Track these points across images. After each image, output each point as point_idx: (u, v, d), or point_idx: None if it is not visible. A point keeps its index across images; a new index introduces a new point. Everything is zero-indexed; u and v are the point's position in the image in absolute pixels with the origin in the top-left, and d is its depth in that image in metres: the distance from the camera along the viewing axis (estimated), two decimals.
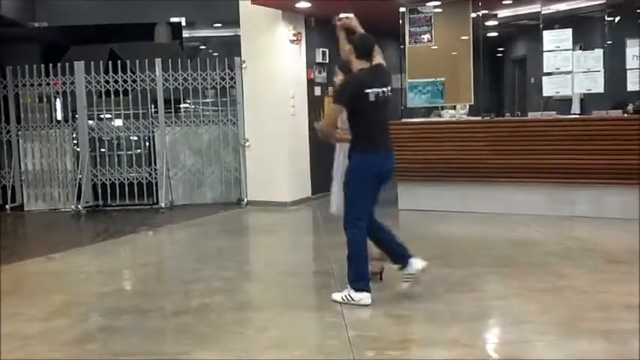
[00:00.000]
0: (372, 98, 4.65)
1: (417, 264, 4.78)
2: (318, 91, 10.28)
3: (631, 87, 7.83)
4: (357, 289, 4.72)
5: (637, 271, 5.47)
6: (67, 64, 9.94)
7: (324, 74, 10.34)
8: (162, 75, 9.77)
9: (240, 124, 9.83)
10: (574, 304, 4.66)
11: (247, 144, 9.75)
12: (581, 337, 4.05)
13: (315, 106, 10.17)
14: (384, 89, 4.72)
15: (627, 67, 7.85)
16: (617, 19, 9.49)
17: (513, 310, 4.65)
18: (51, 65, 9.98)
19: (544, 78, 8.27)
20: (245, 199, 9.77)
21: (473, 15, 8.82)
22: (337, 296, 4.81)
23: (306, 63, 9.97)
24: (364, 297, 4.70)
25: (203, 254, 6.86)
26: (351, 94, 4.68)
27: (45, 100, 10.27)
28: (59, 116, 10.44)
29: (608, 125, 7.62)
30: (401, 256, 4.85)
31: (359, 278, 4.74)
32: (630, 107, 7.77)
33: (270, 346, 4.08)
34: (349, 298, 4.73)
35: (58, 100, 10.37)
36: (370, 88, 4.65)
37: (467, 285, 5.24)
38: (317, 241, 7.73)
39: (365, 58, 4.78)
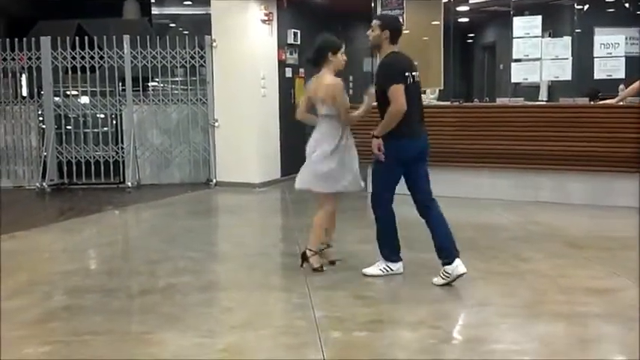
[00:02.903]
0: (409, 82, 4.79)
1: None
2: (289, 72, 10.24)
3: (598, 75, 7.94)
4: (393, 261, 4.95)
5: (598, 255, 5.60)
6: (33, 39, 9.75)
7: (295, 55, 10.30)
8: (131, 52, 9.63)
9: (209, 103, 9.75)
10: (536, 288, 4.75)
11: (217, 124, 9.68)
12: (542, 319, 4.13)
13: (286, 87, 10.13)
14: (415, 74, 4.88)
15: (595, 55, 7.95)
16: (586, 7, 9.61)
17: (477, 292, 4.72)
18: (16, 40, 9.76)
19: (513, 64, 8.34)
20: (214, 180, 9.72)
21: (444, 0, 8.85)
22: (372, 270, 4.98)
23: (278, 44, 9.91)
24: (400, 266, 5.01)
25: (170, 234, 6.81)
26: (398, 74, 4.76)
27: (10, 75, 10.05)
28: (24, 92, 10.25)
29: (575, 113, 7.72)
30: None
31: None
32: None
33: (236, 327, 4.08)
34: (388, 269, 4.97)
35: (23, 75, 10.16)
36: (408, 71, 4.80)
37: (432, 267, 5.28)
38: (285, 223, 7.74)
39: (396, 43, 4.94)
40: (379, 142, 4.78)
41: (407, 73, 4.78)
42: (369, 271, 5.00)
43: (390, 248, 5.02)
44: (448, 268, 4.74)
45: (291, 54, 10.22)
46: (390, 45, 4.91)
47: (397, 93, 4.65)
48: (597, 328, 4.08)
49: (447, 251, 4.79)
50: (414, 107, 4.80)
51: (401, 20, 5.00)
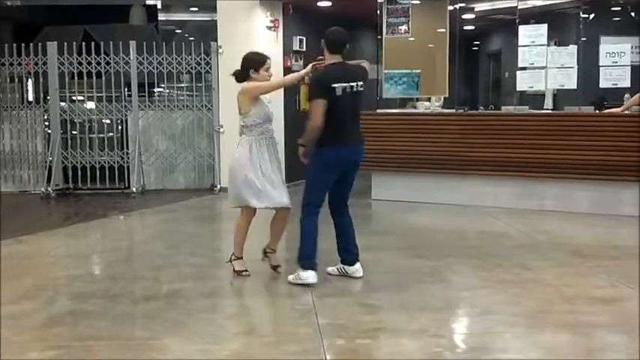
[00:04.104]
0: (339, 92, 4.75)
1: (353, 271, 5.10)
2: None
3: (603, 84, 7.94)
4: (303, 267, 4.87)
5: (603, 264, 5.58)
6: (39, 44, 9.79)
7: (301, 62, 10.31)
8: (137, 58, 9.66)
9: (214, 109, 9.77)
10: (541, 297, 4.73)
11: (222, 130, 9.70)
12: (547, 329, 4.12)
13: (291, 94, 10.14)
14: (353, 84, 4.83)
15: (600, 64, 7.94)
16: (592, 16, 9.62)
17: (481, 301, 4.71)
18: (23, 45, 9.81)
19: (518, 73, 8.33)
20: (218, 186, 9.72)
21: (450, 8, 8.86)
22: (290, 277, 4.97)
23: (283, 51, 9.93)
24: (309, 275, 4.86)
25: (174, 240, 6.82)
26: (322, 88, 4.77)
27: (16, 80, 10.09)
28: (30, 97, 10.27)
29: (580, 121, 7.71)
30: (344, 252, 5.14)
31: (305, 256, 4.91)
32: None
33: (240, 333, 4.09)
34: (298, 278, 4.90)
35: (29, 80, 10.20)
36: (338, 82, 4.75)
37: (436, 275, 5.29)
38: (288, 230, 7.71)
39: (337, 53, 4.89)
40: (304, 150, 4.89)
41: (336, 85, 4.75)
42: (289, 277, 4.99)
43: (313, 254, 4.92)
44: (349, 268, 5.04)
45: (296, 61, 10.23)
46: (330, 55, 4.91)
47: (314, 109, 4.76)
48: (602, 337, 4.07)
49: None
50: (344, 117, 4.86)
51: (341, 31, 4.97)
